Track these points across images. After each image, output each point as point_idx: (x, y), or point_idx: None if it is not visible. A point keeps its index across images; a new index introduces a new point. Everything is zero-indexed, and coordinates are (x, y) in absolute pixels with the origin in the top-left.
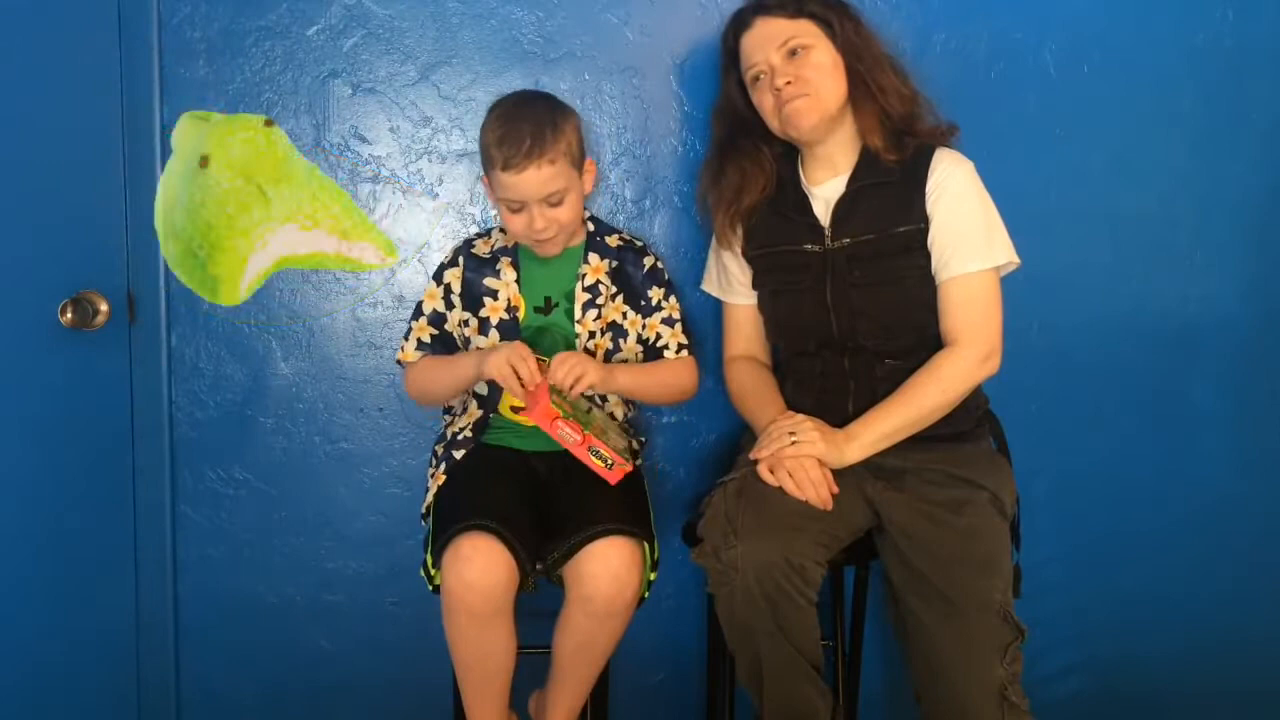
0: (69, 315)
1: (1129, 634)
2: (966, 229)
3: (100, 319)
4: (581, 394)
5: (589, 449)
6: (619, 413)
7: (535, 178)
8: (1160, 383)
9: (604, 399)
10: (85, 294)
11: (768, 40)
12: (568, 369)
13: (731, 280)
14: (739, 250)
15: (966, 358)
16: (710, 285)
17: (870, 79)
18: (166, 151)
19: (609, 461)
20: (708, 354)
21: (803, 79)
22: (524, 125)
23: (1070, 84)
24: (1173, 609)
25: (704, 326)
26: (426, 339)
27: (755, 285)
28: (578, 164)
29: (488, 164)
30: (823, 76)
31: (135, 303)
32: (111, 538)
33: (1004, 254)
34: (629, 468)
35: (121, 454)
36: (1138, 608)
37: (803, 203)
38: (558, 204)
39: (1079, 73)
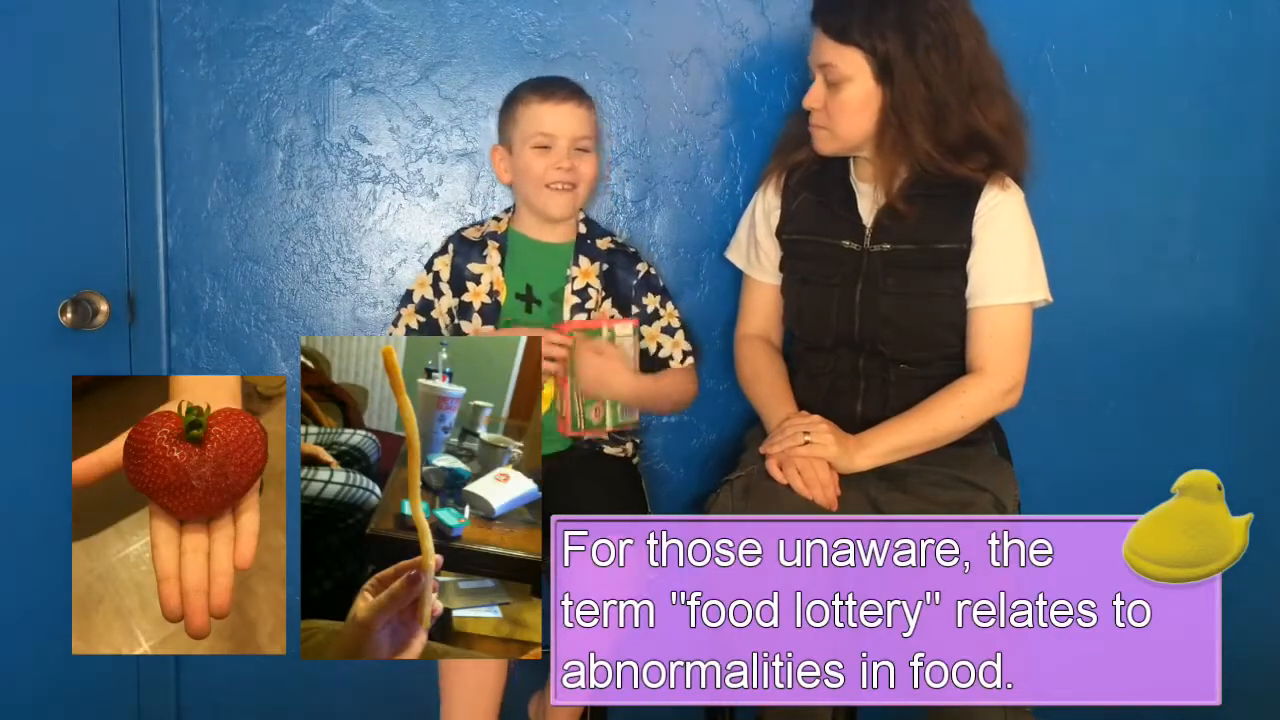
0: (69, 315)
1: None
2: (1010, 260)
3: (100, 319)
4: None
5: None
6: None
7: (572, 114)
8: (1161, 384)
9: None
10: (85, 294)
11: (816, 55)
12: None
13: (761, 256)
14: (776, 210)
15: (990, 388)
16: (737, 256)
17: (900, 131)
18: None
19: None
20: (709, 353)
21: (825, 113)
22: (560, 77)
23: (1070, 84)
24: None
25: (706, 327)
26: (414, 325)
27: (783, 268)
28: (598, 139)
29: (515, 105)
30: (844, 115)
31: (135, 303)
32: None
33: (1040, 291)
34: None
35: None
36: None
37: (848, 197)
38: (584, 151)
39: (1079, 73)
